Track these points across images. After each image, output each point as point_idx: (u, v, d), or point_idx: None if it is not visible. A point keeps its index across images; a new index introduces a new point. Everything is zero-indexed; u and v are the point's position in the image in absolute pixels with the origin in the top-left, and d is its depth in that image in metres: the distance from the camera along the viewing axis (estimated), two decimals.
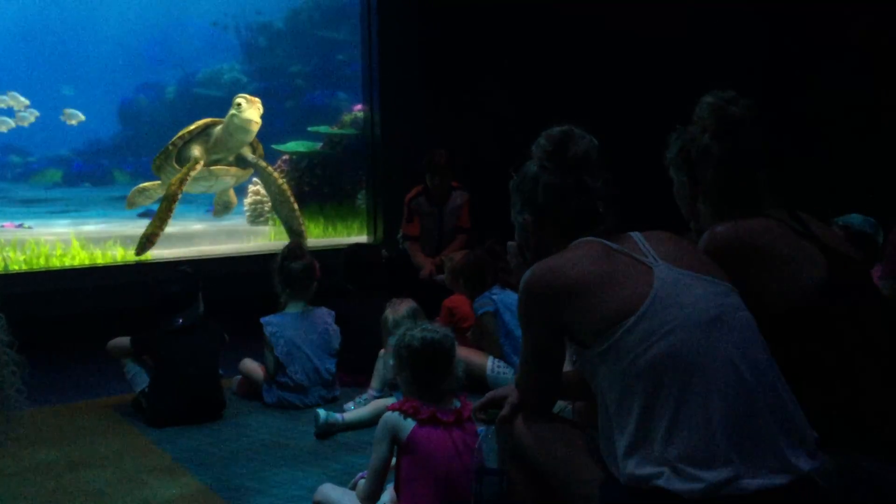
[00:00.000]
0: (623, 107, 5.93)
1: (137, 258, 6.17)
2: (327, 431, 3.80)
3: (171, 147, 6.35)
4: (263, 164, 6.67)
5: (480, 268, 4.56)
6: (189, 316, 4.12)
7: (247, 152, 6.59)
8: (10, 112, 6.11)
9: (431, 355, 2.62)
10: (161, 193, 6.39)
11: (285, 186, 6.71)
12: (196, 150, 6.36)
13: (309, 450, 3.67)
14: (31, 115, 6.18)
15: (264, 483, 3.32)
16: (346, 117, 7.21)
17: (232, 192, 6.86)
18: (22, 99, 6.11)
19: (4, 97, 6.06)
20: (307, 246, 5.08)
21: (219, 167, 6.48)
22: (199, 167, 6.27)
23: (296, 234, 6.73)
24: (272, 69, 7.01)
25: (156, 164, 6.44)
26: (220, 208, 6.90)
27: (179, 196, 6.23)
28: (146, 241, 6.15)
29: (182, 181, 6.20)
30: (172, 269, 4.47)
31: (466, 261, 4.67)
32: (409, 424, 2.53)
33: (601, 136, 2.14)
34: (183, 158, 6.38)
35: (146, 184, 6.56)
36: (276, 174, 6.72)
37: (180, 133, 6.37)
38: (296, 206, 6.74)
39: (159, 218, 6.20)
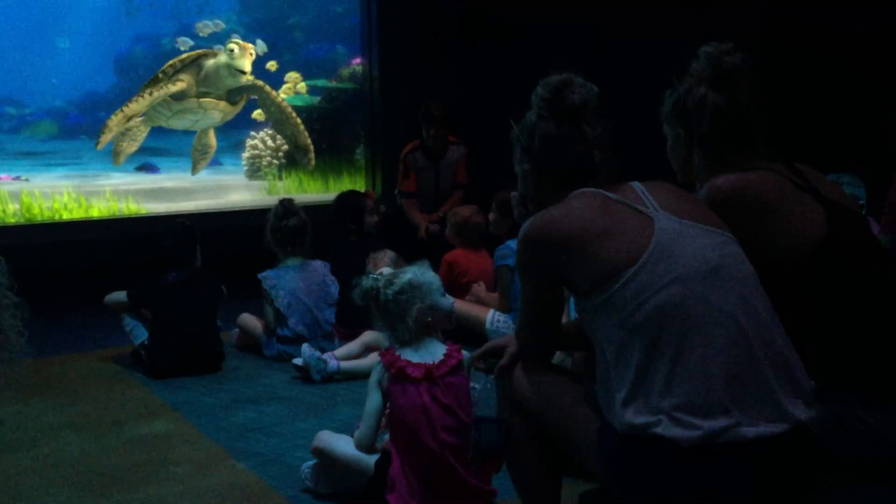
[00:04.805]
0: (623, 58, 5.86)
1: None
2: (328, 378, 3.88)
3: (160, 75, 6.24)
4: (260, 83, 6.54)
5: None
6: (184, 271, 4.12)
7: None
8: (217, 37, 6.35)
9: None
10: (144, 132, 6.30)
11: (285, 104, 6.61)
12: (185, 80, 6.26)
13: (309, 401, 3.70)
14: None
15: (264, 432, 3.35)
16: (345, 71, 7.14)
17: (212, 134, 6.74)
18: (220, 23, 6.36)
19: (209, 23, 6.35)
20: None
21: (208, 100, 6.37)
22: (164, 90, 6.14)
23: (303, 149, 6.61)
24: (269, 21, 6.91)
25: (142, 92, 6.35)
26: (199, 155, 6.75)
27: (139, 111, 6.12)
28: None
29: (153, 94, 6.08)
30: (170, 222, 4.46)
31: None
32: (387, 375, 2.57)
33: (601, 85, 2.12)
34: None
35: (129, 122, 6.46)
36: (273, 92, 6.60)
37: (171, 61, 6.28)
38: (298, 120, 6.65)
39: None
